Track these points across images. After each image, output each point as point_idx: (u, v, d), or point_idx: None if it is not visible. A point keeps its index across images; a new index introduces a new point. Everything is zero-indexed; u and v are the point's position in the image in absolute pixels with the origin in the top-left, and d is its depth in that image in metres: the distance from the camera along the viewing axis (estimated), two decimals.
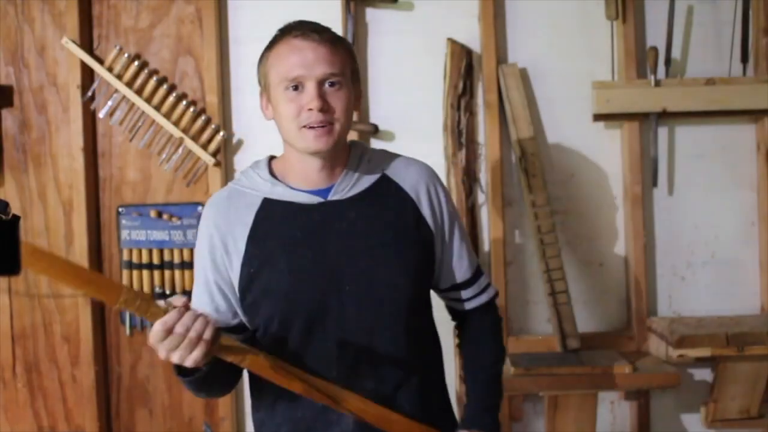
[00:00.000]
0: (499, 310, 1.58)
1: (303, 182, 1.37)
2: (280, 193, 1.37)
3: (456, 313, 1.56)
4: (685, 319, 2.38)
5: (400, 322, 1.37)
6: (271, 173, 1.40)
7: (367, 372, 1.36)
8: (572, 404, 2.20)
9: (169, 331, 1.13)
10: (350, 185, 1.37)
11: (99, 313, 2.50)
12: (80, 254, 2.45)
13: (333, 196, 1.36)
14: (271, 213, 1.36)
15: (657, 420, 2.44)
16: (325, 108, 1.29)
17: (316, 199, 1.36)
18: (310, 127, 1.30)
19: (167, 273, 2.47)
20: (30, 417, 2.54)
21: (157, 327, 1.13)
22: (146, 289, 2.47)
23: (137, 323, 2.49)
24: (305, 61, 1.30)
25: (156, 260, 2.47)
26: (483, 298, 1.53)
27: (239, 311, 1.39)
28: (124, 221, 2.48)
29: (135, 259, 2.48)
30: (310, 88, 1.29)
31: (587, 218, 2.46)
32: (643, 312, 2.40)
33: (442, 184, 1.46)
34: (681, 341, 2.17)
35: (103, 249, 2.52)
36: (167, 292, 2.47)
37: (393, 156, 1.46)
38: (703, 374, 2.39)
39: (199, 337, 1.14)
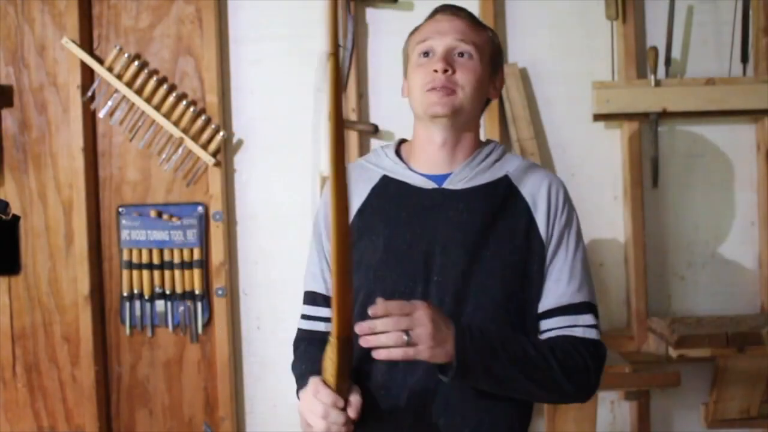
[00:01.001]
0: (601, 368, 1.31)
1: (423, 165, 1.37)
2: (399, 172, 1.37)
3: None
4: (685, 319, 2.38)
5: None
6: (398, 154, 1.41)
7: (434, 370, 1.24)
8: (572, 404, 2.20)
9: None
10: (468, 177, 1.35)
11: (99, 313, 2.50)
12: (80, 254, 2.46)
13: (448, 185, 1.34)
14: (385, 190, 1.37)
15: (657, 420, 2.44)
16: (450, 72, 1.31)
17: (430, 184, 1.34)
18: (434, 89, 1.31)
19: (167, 273, 2.47)
20: (30, 417, 2.54)
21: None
22: (146, 289, 2.47)
23: (137, 323, 2.49)
24: (439, 29, 1.34)
25: (156, 260, 2.47)
26: (577, 332, 1.30)
27: None
28: (124, 221, 2.48)
29: (135, 259, 2.47)
30: (439, 52, 1.32)
31: (587, 218, 2.45)
32: (642, 312, 2.40)
33: (566, 194, 1.37)
34: (681, 341, 2.16)
35: (103, 249, 2.52)
36: (167, 292, 2.47)
37: (524, 162, 1.40)
38: (703, 374, 2.39)
39: None
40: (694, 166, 2.45)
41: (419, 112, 1.35)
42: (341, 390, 1.18)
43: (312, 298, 1.44)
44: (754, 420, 2.33)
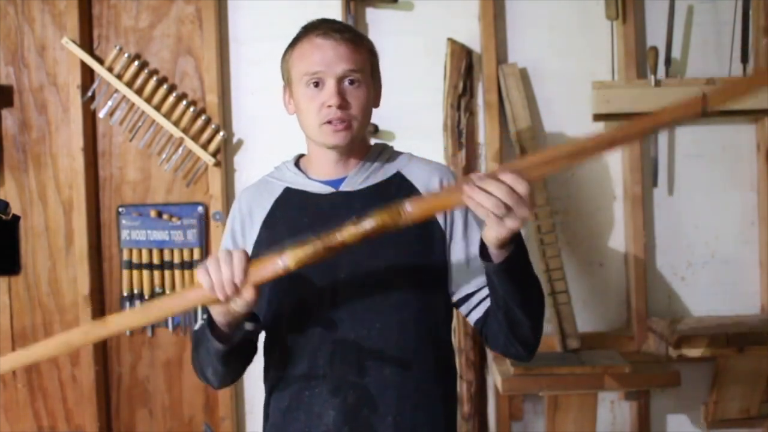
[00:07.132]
0: None
1: (320, 173, 1.44)
2: (299, 182, 1.45)
3: (487, 310, 1.39)
4: (685, 319, 2.38)
5: (390, 315, 1.36)
6: (297, 166, 1.48)
7: (352, 362, 1.35)
8: (572, 404, 2.20)
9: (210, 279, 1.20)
10: (362, 178, 1.42)
11: (99, 313, 2.49)
12: (80, 254, 2.46)
13: (344, 187, 1.41)
14: (288, 201, 1.44)
15: (657, 420, 2.44)
16: (344, 105, 1.35)
17: (328, 189, 1.42)
18: (330, 123, 1.36)
19: (167, 273, 2.47)
20: (30, 417, 2.54)
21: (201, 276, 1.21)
22: (146, 289, 2.47)
23: None
24: (325, 58, 1.35)
25: (156, 260, 2.47)
26: None
27: None
28: (124, 221, 2.48)
29: (135, 259, 2.48)
30: (330, 85, 1.35)
31: (587, 218, 2.46)
32: (642, 312, 2.40)
33: (455, 179, 1.46)
34: (681, 341, 2.17)
35: (103, 249, 2.52)
36: (167, 292, 2.47)
37: (414, 158, 1.48)
38: (703, 374, 2.39)
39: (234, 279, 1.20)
40: (694, 166, 2.45)
41: (315, 141, 1.41)
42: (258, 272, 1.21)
43: None
44: (754, 420, 2.33)
